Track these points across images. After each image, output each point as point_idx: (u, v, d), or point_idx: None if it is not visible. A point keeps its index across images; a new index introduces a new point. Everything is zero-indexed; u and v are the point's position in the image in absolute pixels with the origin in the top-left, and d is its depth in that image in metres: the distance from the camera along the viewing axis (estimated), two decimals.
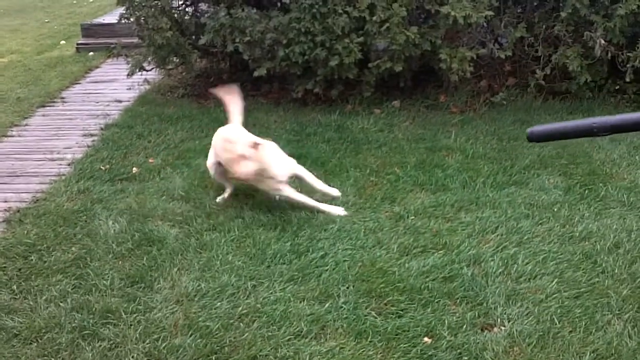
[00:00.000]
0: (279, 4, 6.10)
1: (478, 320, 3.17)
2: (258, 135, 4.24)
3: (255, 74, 5.95)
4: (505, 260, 3.60)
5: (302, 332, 3.12)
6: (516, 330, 3.07)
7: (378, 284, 3.43)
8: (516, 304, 3.26)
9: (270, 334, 3.12)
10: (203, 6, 6.48)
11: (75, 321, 3.25)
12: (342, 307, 3.27)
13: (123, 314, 3.29)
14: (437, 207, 4.20)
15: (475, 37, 5.97)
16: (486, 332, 3.10)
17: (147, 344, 3.08)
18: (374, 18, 5.58)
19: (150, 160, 5.09)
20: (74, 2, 12.64)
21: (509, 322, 3.14)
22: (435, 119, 5.76)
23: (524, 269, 3.52)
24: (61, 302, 3.41)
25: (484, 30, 6.08)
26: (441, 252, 3.71)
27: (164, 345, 3.06)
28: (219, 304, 3.35)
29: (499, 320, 3.16)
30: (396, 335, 3.07)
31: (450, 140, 5.27)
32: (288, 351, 3.01)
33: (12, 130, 6.01)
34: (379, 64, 5.77)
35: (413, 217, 4.10)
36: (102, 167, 4.98)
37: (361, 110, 5.95)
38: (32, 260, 3.81)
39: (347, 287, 3.43)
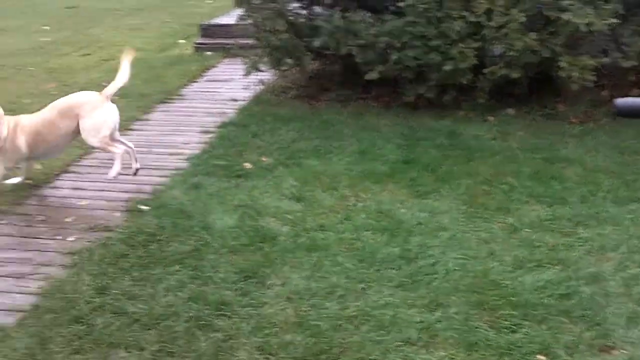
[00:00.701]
0: (392, 8, 6.09)
1: (596, 341, 3.05)
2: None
3: (367, 77, 5.98)
4: (627, 281, 3.44)
5: (411, 339, 3.11)
6: (638, 356, 2.92)
7: (490, 296, 3.36)
8: (638, 327, 3.11)
9: (379, 338, 3.12)
10: (317, 9, 6.58)
11: (192, 311, 3.37)
12: (452, 317, 3.23)
13: (236, 307, 3.39)
14: (553, 221, 4.07)
15: (597, 45, 5.72)
16: (605, 354, 2.97)
17: (259, 338, 3.16)
18: (491, 23, 5.47)
19: (263, 159, 5.22)
20: (192, 2, 13.14)
21: (630, 345, 2.99)
22: (552, 129, 5.57)
23: None
24: (179, 291, 3.55)
25: (606, 38, 5.82)
26: (557, 267, 3.59)
27: (275, 341, 3.13)
28: (328, 304, 3.39)
29: (619, 342, 3.02)
30: (509, 350, 3.00)
31: (568, 151, 5.08)
32: (397, 357, 3.00)
33: (135, 125, 6.33)
34: (494, 70, 5.65)
35: (528, 230, 3.98)
36: (217, 163, 5.16)
37: (474, 117, 5.85)
38: (151, 249, 3.99)
39: (458, 297, 3.38)
